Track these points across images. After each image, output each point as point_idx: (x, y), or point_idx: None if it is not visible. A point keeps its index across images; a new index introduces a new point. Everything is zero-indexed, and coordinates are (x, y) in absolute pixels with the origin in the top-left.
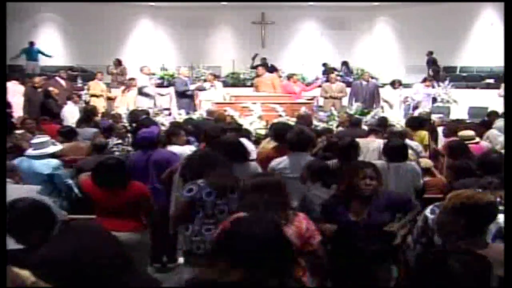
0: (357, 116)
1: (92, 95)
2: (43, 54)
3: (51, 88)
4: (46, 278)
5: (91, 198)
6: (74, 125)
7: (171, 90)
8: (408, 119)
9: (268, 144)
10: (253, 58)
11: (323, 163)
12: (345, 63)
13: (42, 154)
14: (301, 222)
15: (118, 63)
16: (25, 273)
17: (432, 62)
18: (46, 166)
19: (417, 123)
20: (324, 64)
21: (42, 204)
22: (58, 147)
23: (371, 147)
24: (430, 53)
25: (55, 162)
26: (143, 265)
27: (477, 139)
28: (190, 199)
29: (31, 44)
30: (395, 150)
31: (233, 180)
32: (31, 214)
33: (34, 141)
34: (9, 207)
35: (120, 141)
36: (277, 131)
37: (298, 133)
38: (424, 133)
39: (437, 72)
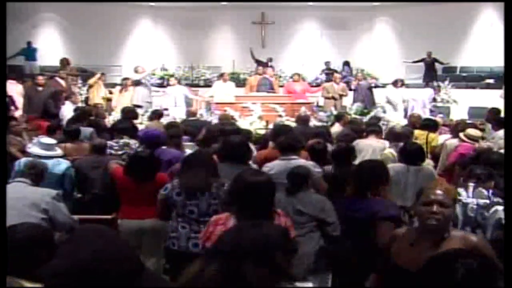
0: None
1: (90, 86)
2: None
3: (62, 92)
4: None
5: (119, 186)
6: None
7: (169, 89)
8: (424, 121)
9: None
10: (252, 53)
11: (292, 172)
12: (346, 63)
13: (54, 155)
14: (280, 219)
15: (66, 62)
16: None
17: (433, 64)
18: (60, 166)
19: (429, 124)
20: (327, 63)
21: (41, 232)
22: (60, 149)
23: (377, 147)
24: (430, 53)
25: (66, 162)
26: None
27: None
28: (164, 197)
29: (29, 44)
30: (414, 153)
31: (205, 182)
32: (30, 245)
33: (43, 141)
34: (8, 233)
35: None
36: (276, 132)
37: (287, 137)
38: (433, 136)
39: (435, 73)
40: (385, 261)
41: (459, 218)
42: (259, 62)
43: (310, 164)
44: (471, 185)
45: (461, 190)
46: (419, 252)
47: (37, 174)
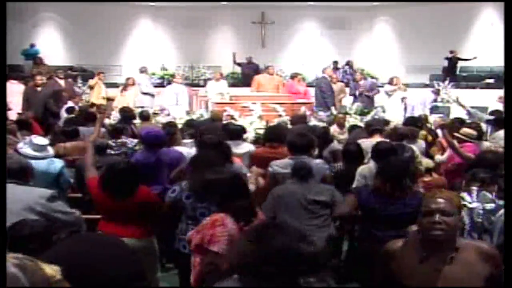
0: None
1: (90, 87)
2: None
3: (63, 91)
4: None
5: (95, 200)
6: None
7: (171, 87)
8: (407, 120)
9: None
10: (234, 57)
11: (303, 162)
12: (348, 63)
13: (46, 156)
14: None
15: (40, 61)
16: (51, 271)
17: (453, 63)
18: (54, 166)
19: (416, 123)
20: (335, 63)
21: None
22: (52, 149)
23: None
24: (454, 51)
25: (60, 161)
26: (151, 272)
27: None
28: (172, 199)
29: (32, 45)
30: (384, 152)
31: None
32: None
33: (35, 141)
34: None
35: (137, 140)
36: (270, 131)
37: (299, 135)
38: (424, 133)
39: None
40: (383, 279)
41: (466, 224)
42: (239, 64)
43: (319, 162)
44: (474, 189)
45: (464, 195)
46: (431, 268)
47: (19, 171)
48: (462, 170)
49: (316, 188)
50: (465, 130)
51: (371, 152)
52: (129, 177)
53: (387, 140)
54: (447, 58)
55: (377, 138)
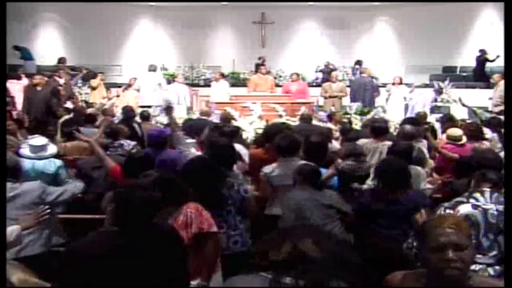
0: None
1: (93, 88)
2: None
3: (60, 87)
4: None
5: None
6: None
7: (173, 86)
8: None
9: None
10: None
11: (315, 166)
12: (358, 62)
13: (43, 157)
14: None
15: (63, 61)
16: (30, 279)
17: (482, 63)
18: (52, 165)
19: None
20: (327, 63)
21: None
22: (55, 148)
23: (384, 150)
24: (483, 51)
25: (59, 161)
26: None
27: (464, 140)
28: None
29: (16, 47)
30: (401, 154)
31: (219, 199)
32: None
33: (32, 142)
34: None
35: (135, 142)
36: (269, 132)
37: (284, 138)
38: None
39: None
40: None
41: (481, 225)
42: (258, 65)
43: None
44: (487, 190)
45: (478, 195)
46: None
47: (12, 170)
48: (448, 169)
49: (325, 192)
50: (448, 132)
51: (388, 153)
52: (146, 164)
53: (406, 142)
54: (478, 59)
55: (384, 140)
